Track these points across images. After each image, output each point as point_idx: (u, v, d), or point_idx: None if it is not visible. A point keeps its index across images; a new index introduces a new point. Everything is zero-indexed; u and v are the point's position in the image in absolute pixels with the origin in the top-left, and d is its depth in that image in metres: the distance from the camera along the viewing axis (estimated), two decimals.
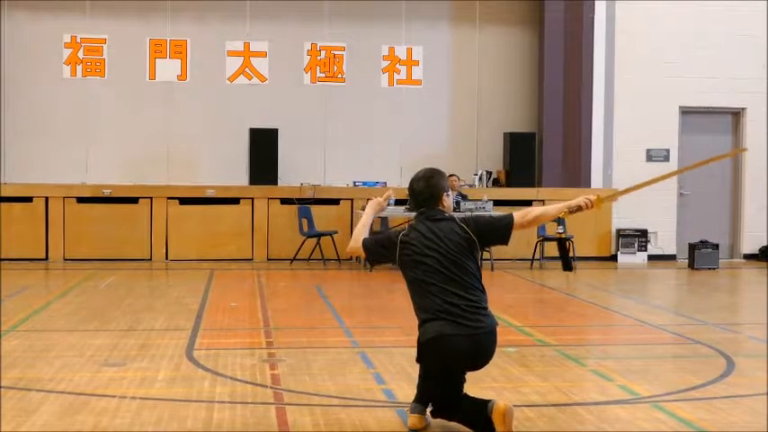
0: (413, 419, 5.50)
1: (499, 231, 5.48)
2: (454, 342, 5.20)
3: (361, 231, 5.70)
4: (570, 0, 15.78)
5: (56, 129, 15.70)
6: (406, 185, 14.91)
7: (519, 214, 5.53)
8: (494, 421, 5.18)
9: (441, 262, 5.30)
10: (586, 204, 5.52)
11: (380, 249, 5.59)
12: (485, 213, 12.30)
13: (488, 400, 5.29)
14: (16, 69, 15.60)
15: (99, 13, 15.74)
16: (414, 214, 5.64)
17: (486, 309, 5.34)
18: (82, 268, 13.85)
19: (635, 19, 15.91)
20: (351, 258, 15.04)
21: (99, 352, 7.67)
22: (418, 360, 5.47)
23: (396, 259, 5.46)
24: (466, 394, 5.43)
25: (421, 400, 5.52)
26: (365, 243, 5.63)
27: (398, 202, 14.41)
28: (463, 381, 5.44)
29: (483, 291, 5.39)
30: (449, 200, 5.57)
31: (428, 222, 5.44)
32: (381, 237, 5.72)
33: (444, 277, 5.28)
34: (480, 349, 5.30)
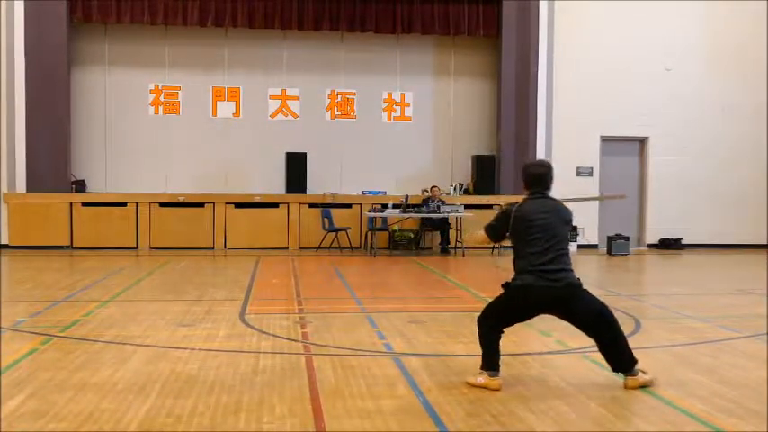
0: (496, 383, 5.13)
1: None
2: (536, 291, 5.04)
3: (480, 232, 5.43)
4: (520, 59, 15.75)
5: (144, 152, 15.67)
6: (402, 194, 14.68)
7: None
8: (484, 383, 5.08)
9: (546, 230, 5.07)
10: None
11: (498, 225, 5.25)
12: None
13: (498, 371, 5.14)
14: (116, 110, 15.60)
15: (175, 68, 15.70)
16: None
17: (566, 269, 5.09)
18: (162, 255, 13.82)
19: (567, 74, 15.90)
20: (360, 247, 15.03)
21: (175, 316, 7.67)
22: (503, 297, 5.25)
23: (508, 227, 5.18)
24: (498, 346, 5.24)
25: (495, 366, 5.22)
26: (487, 229, 5.35)
27: (395, 206, 14.42)
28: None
29: (568, 255, 5.16)
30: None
31: (542, 199, 5.20)
32: (496, 218, 5.32)
33: (545, 242, 5.05)
34: (559, 298, 5.07)
